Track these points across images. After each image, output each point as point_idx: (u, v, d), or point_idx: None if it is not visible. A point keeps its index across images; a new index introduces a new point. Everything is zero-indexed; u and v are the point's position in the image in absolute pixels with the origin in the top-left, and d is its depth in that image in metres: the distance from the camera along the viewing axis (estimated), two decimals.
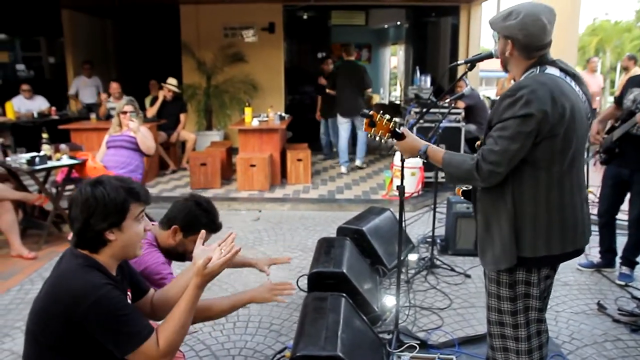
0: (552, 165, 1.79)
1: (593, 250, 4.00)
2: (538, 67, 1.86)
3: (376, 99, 13.34)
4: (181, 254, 2.33)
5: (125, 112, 4.77)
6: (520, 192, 1.80)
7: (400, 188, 2.57)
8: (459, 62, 2.07)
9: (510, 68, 1.93)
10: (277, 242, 4.60)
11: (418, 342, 2.77)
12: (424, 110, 6.01)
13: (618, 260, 3.83)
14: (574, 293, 3.53)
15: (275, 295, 2.10)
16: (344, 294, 2.67)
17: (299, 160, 6.54)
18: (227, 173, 6.82)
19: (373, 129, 2.04)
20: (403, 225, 2.70)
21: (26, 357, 1.62)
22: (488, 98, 9.80)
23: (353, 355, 2.24)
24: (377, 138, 2.06)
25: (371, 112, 2.02)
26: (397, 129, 2.03)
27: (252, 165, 6.17)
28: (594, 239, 4.24)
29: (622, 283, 3.64)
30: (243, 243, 4.54)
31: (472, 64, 2.09)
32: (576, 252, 1.93)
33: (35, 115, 7.17)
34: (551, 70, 1.86)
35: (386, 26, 13.23)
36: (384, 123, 2.02)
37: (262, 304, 3.37)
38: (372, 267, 3.66)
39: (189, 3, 8.38)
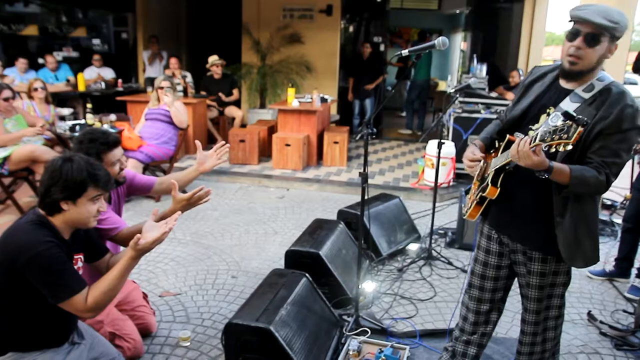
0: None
1: (612, 259, 3.75)
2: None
3: (442, 86, 12.93)
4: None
5: (161, 87, 5.10)
6: (595, 197, 1.93)
7: (363, 175, 2.59)
8: (402, 52, 2.04)
9: (588, 71, 1.80)
10: (290, 220, 4.75)
11: (378, 328, 2.81)
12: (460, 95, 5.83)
13: (634, 271, 3.56)
14: (571, 301, 3.34)
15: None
16: (306, 273, 2.76)
17: (336, 142, 6.60)
18: (268, 150, 7.03)
19: None
20: (366, 213, 2.71)
21: None
22: None
23: (292, 332, 2.34)
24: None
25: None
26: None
27: (287, 145, 6.33)
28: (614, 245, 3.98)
29: (631, 297, 3.37)
30: (259, 218, 4.75)
31: (418, 54, 2.07)
32: None
33: (103, 84, 7.79)
34: None
35: (457, 11, 12.74)
36: None
37: (250, 277, 3.55)
38: (365, 252, 3.70)
39: None
